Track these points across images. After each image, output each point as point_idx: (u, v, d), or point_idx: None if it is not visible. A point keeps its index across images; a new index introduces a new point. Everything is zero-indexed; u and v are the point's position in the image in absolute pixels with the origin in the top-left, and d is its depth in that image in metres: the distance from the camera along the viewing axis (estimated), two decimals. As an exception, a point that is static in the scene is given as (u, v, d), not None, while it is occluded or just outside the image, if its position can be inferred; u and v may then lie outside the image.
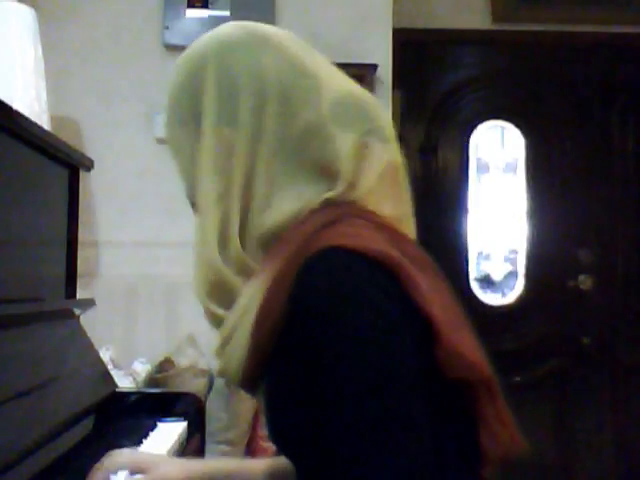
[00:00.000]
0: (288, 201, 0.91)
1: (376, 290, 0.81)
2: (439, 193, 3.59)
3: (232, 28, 1.00)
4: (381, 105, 1.01)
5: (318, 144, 0.93)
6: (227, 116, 0.95)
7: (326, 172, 0.92)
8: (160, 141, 2.95)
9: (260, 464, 1.13)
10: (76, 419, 1.42)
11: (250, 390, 0.95)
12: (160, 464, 1.07)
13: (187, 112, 0.98)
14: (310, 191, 0.92)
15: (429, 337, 0.82)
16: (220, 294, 0.93)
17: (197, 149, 0.97)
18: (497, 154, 3.71)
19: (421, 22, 3.59)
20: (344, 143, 0.93)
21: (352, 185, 0.92)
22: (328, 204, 0.91)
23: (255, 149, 0.93)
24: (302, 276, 0.82)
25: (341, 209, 0.90)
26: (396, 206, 0.95)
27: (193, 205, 1.02)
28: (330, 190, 0.91)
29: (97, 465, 1.08)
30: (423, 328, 0.82)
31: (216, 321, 0.94)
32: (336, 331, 0.78)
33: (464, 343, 0.84)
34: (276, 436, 0.91)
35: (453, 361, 0.82)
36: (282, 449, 0.92)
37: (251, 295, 0.88)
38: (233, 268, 0.92)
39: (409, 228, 0.97)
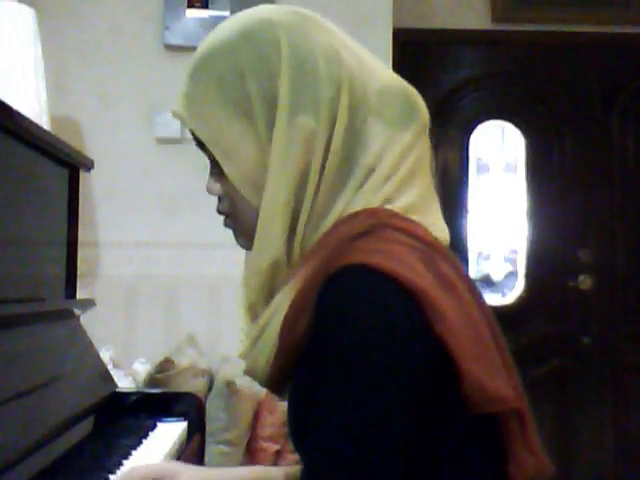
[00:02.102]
0: (344, 200, 0.88)
1: (393, 316, 0.78)
2: (439, 193, 3.58)
3: (285, 12, 0.92)
4: (418, 93, 0.97)
5: (370, 139, 0.90)
6: (306, 105, 0.87)
7: (372, 169, 0.90)
8: (160, 141, 2.95)
9: (284, 471, 1.12)
10: (76, 419, 1.42)
11: (276, 392, 0.95)
12: (179, 474, 1.03)
13: (257, 99, 0.88)
14: (359, 189, 0.89)
15: (453, 368, 0.80)
16: (269, 289, 0.90)
17: (267, 141, 0.88)
18: (497, 154, 3.71)
19: (421, 22, 3.59)
20: (392, 142, 0.91)
21: (385, 181, 0.89)
22: (363, 206, 0.88)
23: (330, 141, 0.88)
24: (325, 291, 0.80)
25: (377, 217, 0.87)
26: (420, 184, 0.93)
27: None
28: (369, 189, 0.89)
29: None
30: (447, 358, 0.79)
31: (254, 314, 0.93)
32: (344, 348, 0.78)
33: (489, 375, 0.81)
34: (296, 438, 0.91)
35: (476, 396, 0.80)
36: (300, 452, 0.92)
37: (281, 299, 0.88)
38: (291, 265, 0.89)
39: (437, 211, 0.94)
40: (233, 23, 0.93)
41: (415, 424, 0.79)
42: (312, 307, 0.82)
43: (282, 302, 0.87)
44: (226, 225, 0.98)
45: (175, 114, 0.95)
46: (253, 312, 0.93)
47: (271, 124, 0.88)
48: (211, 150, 0.91)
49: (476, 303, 0.86)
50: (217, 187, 0.95)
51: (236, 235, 0.97)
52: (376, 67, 0.95)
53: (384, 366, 0.77)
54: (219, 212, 0.97)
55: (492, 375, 0.82)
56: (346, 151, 0.89)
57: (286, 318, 0.86)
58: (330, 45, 0.91)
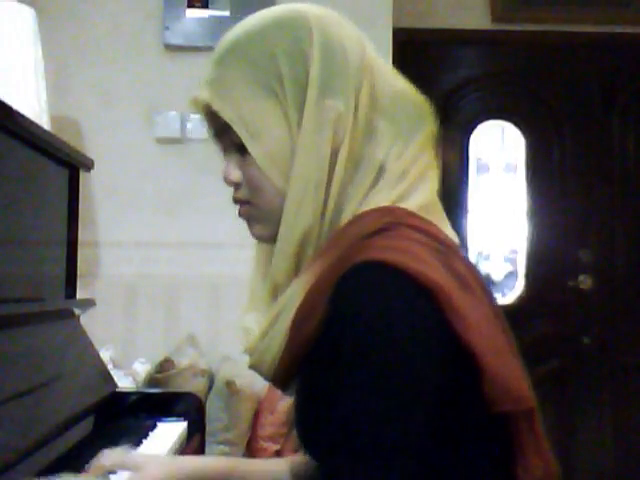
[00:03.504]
0: (360, 193, 0.89)
1: (411, 314, 0.78)
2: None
3: (312, 6, 0.95)
4: (428, 104, 0.99)
5: (380, 136, 0.91)
6: (336, 88, 0.89)
7: (383, 169, 0.91)
8: (160, 141, 2.95)
9: (289, 461, 1.12)
10: (76, 419, 1.42)
11: (281, 387, 0.95)
12: (148, 464, 1.03)
13: (289, 81, 0.89)
14: (369, 188, 0.89)
15: (472, 366, 0.79)
16: (295, 273, 0.90)
17: (296, 123, 0.89)
18: (497, 154, 3.71)
19: (421, 22, 3.59)
20: (403, 145, 0.92)
21: (398, 182, 0.90)
22: (377, 204, 0.89)
23: (354, 130, 0.89)
24: (342, 286, 0.80)
25: (392, 215, 0.87)
26: (432, 196, 0.94)
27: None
28: (382, 187, 0.90)
29: (91, 467, 1.06)
30: (465, 357, 0.79)
31: (274, 294, 0.92)
32: (362, 345, 0.77)
33: (510, 374, 0.81)
34: (303, 435, 0.91)
35: (499, 395, 0.79)
36: (308, 449, 0.92)
37: (292, 294, 0.88)
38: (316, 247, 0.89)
39: (445, 218, 0.95)
40: (262, 15, 0.95)
41: (434, 424, 0.79)
42: (324, 305, 0.81)
43: (293, 297, 0.87)
44: (241, 214, 0.96)
45: (198, 99, 0.95)
46: (275, 294, 0.92)
47: (301, 105, 0.89)
48: (237, 130, 0.91)
49: (488, 302, 0.87)
50: (237, 173, 0.94)
51: (253, 223, 0.96)
52: (391, 72, 0.97)
53: (403, 365, 0.77)
54: (236, 201, 0.96)
55: (512, 373, 0.82)
56: (365, 143, 0.90)
57: (297, 314, 0.85)
58: (358, 38, 0.94)
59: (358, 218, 0.88)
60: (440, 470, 0.81)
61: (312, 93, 0.88)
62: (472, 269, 0.88)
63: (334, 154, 0.88)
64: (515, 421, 0.83)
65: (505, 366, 0.81)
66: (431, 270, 0.80)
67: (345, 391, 0.78)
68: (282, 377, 0.92)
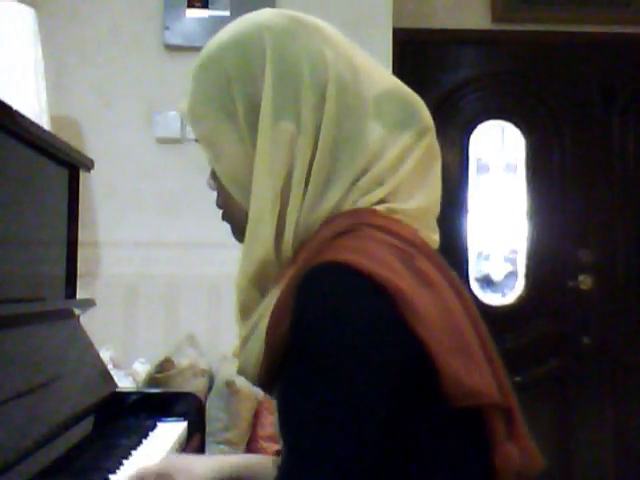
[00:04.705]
0: (332, 201, 0.89)
1: (366, 314, 0.79)
2: (431, 197, 3.58)
3: (279, 16, 0.94)
4: (419, 98, 0.97)
5: (363, 143, 0.90)
6: (288, 110, 0.89)
7: (365, 171, 0.90)
8: (160, 141, 2.95)
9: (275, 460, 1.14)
10: (76, 419, 1.42)
11: (267, 391, 0.96)
12: (185, 467, 1.08)
13: (240, 103, 0.90)
14: (350, 190, 0.89)
15: (430, 363, 0.79)
16: (260, 289, 0.92)
17: (250, 144, 0.90)
18: (497, 154, 3.71)
19: (421, 22, 3.59)
20: (389, 145, 0.91)
21: (380, 183, 0.90)
22: (352, 207, 0.89)
23: (314, 146, 0.89)
24: (300, 288, 0.81)
25: (358, 216, 0.88)
26: (424, 196, 0.93)
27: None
28: (361, 190, 0.89)
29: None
30: (424, 354, 0.79)
31: (245, 314, 0.93)
32: (317, 346, 0.79)
33: (466, 369, 0.81)
34: (282, 435, 0.91)
35: (453, 390, 0.80)
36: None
37: (269, 300, 0.89)
38: (281, 264, 0.90)
39: (434, 216, 0.95)
40: (230, 27, 0.96)
41: (391, 421, 0.79)
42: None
43: (270, 303, 0.88)
44: (223, 219, 0.99)
45: (179, 111, 0.99)
46: (246, 312, 0.94)
47: (254, 128, 0.90)
48: (203, 148, 0.95)
49: (459, 302, 0.86)
50: (212, 183, 0.98)
51: (232, 229, 0.99)
52: (376, 73, 0.96)
53: (357, 366, 0.78)
54: (217, 206, 0.99)
55: (470, 370, 0.82)
56: (337, 154, 0.90)
57: (271, 318, 0.86)
58: (319, 51, 0.92)
59: (329, 221, 0.88)
60: (413, 462, 0.81)
61: (265, 115, 0.89)
62: (442, 269, 0.88)
63: (289, 175, 0.89)
64: (487, 415, 0.83)
65: (462, 363, 0.81)
66: (387, 269, 0.80)
67: (299, 393, 0.79)
68: (266, 381, 0.92)
